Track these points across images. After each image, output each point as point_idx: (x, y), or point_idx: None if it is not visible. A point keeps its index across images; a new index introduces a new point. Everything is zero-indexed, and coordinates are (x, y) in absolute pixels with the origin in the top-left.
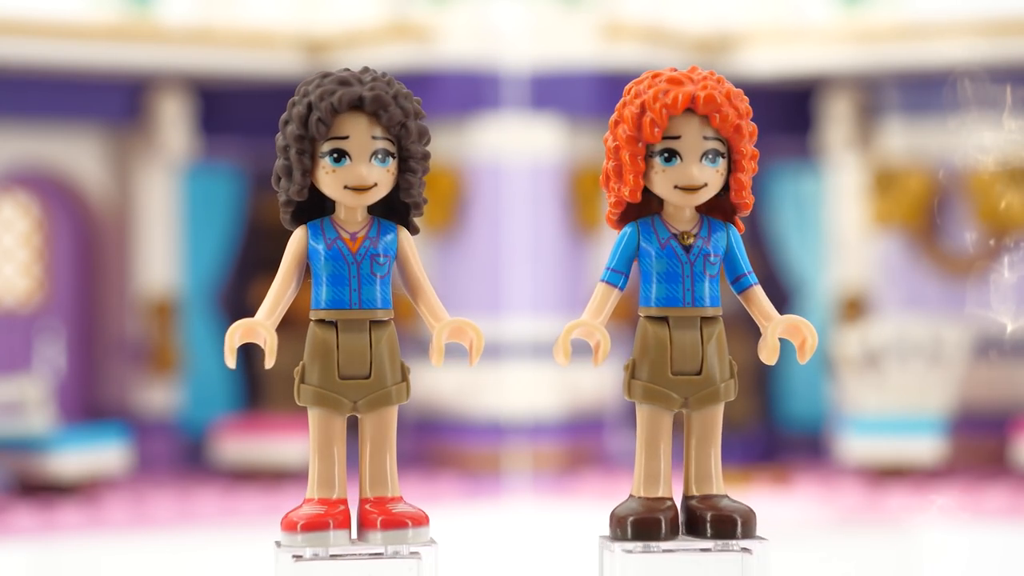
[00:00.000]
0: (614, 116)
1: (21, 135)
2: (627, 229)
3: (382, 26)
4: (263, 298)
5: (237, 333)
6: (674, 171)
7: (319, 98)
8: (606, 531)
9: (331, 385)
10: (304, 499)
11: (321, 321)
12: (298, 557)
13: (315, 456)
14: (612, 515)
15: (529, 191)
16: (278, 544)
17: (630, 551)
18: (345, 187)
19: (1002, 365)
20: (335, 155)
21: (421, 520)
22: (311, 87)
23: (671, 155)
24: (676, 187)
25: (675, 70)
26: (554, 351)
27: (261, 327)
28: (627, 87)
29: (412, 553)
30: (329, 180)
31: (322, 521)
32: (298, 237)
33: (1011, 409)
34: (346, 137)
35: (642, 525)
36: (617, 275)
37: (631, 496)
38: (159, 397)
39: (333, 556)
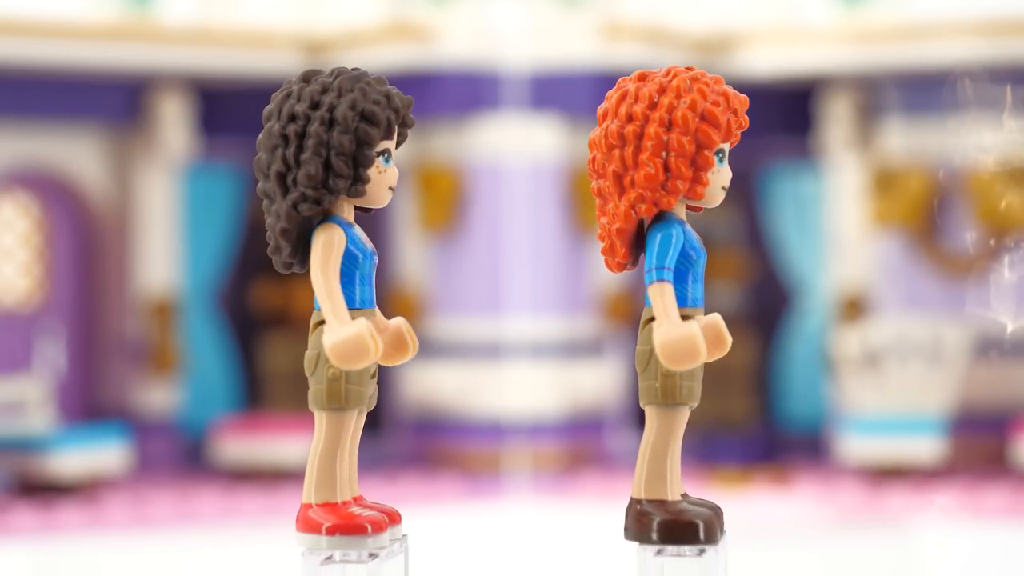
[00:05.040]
0: (680, 113)
1: (21, 135)
2: (676, 228)
3: (382, 26)
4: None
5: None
6: (723, 171)
7: (388, 97)
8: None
9: (368, 385)
10: (327, 503)
11: None
12: (374, 555)
13: (338, 458)
14: (685, 523)
15: (529, 191)
16: (326, 556)
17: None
18: (389, 187)
19: (1002, 365)
20: (387, 155)
21: (396, 518)
22: (364, 85)
23: (723, 156)
24: (723, 187)
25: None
26: (695, 352)
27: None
28: (671, 84)
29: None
30: (379, 180)
31: (382, 522)
32: (340, 234)
33: (1011, 409)
34: (392, 139)
35: (709, 529)
36: (671, 273)
37: (654, 501)
38: (159, 397)
39: (371, 555)
